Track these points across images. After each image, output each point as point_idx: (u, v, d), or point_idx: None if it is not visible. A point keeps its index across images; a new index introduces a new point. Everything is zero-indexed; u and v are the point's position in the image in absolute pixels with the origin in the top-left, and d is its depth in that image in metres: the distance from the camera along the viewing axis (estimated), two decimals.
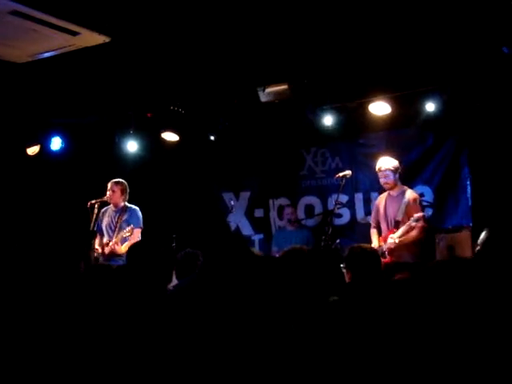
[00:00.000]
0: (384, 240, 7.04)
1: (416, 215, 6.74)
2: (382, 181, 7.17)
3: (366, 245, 4.92)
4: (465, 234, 6.98)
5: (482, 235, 4.43)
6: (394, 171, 7.09)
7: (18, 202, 9.00)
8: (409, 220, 6.84)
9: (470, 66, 6.96)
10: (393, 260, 6.76)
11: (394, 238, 6.81)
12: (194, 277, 4.58)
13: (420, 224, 6.78)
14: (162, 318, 1.98)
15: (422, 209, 7.30)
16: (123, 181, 7.64)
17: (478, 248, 4.31)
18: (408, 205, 6.96)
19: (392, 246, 6.81)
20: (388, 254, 6.86)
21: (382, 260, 6.76)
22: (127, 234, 7.15)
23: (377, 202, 7.46)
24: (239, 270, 3.50)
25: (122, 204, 7.55)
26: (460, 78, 7.19)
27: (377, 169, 7.21)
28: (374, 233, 7.32)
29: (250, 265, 2.94)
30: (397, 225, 6.97)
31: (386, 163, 7.13)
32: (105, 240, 7.46)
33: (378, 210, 7.32)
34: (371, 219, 7.51)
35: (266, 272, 2.71)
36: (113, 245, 7.20)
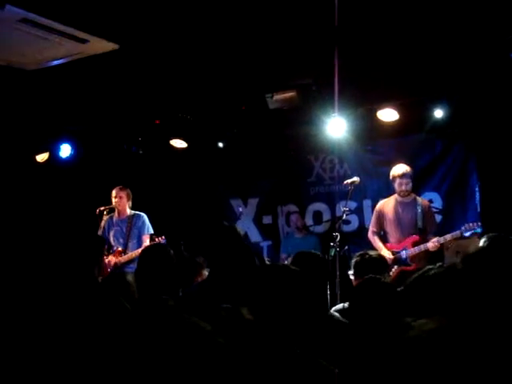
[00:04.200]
0: (400, 247, 6.94)
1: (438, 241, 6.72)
2: (401, 188, 7.04)
3: (374, 252, 4.91)
4: (473, 240, 6.94)
5: (481, 242, 4.42)
6: (412, 177, 7.09)
7: (27, 208, 9.03)
8: (425, 228, 6.87)
9: (478, 72, 6.95)
10: (418, 266, 6.62)
11: (440, 242, 6.72)
12: (202, 284, 4.59)
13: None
14: (169, 322, 1.98)
15: (434, 216, 7.29)
16: (126, 187, 7.68)
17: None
18: (424, 213, 6.96)
19: (433, 249, 6.71)
20: (411, 260, 6.80)
21: (405, 268, 6.71)
22: None
23: (380, 208, 7.30)
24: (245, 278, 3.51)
25: (128, 211, 7.58)
26: (468, 84, 7.18)
27: (396, 175, 7.09)
28: (377, 240, 7.16)
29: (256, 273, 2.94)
30: (421, 232, 6.90)
31: (407, 169, 7.07)
32: (115, 248, 7.46)
33: (384, 217, 7.19)
34: (373, 226, 7.32)
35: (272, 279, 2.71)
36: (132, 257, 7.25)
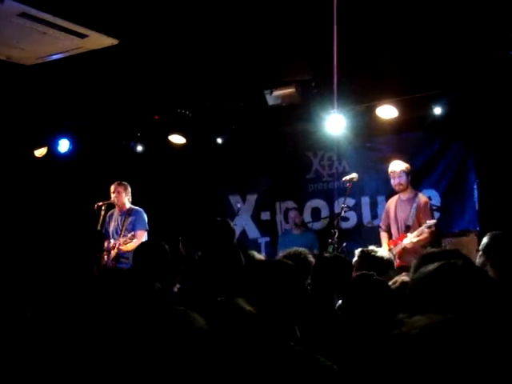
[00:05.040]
0: (394, 244, 7.01)
1: (429, 222, 6.70)
2: (395, 182, 7.11)
3: (377, 248, 4.89)
4: (471, 238, 6.95)
5: (484, 240, 4.43)
6: (407, 173, 7.10)
7: (26, 203, 9.03)
8: (419, 225, 6.84)
9: (478, 70, 6.94)
10: (402, 264, 6.70)
11: (410, 238, 6.75)
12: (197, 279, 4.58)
13: (431, 229, 6.76)
14: (163, 320, 1.98)
15: (432, 213, 7.28)
16: (124, 182, 7.66)
17: (480, 253, 4.32)
18: (418, 209, 6.96)
19: (409, 246, 6.75)
20: (398, 257, 6.82)
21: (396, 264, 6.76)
22: (128, 241, 7.12)
23: (387, 205, 7.42)
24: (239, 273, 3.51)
25: (128, 206, 7.54)
26: (467, 81, 7.18)
27: (390, 170, 7.17)
28: (384, 236, 7.29)
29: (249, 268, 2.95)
30: (407, 229, 6.94)
31: (400, 165, 7.13)
32: (111, 244, 7.42)
33: (388, 214, 7.29)
34: (381, 222, 7.47)
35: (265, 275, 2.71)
36: (118, 247, 7.19)
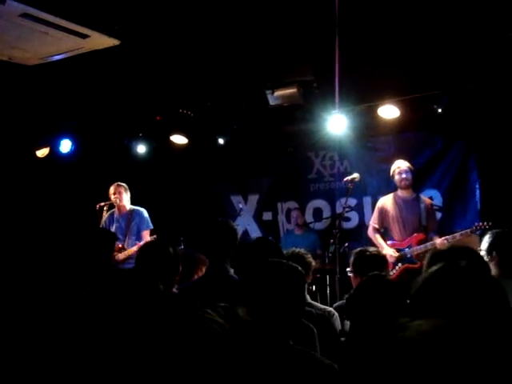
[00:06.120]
0: (401, 244, 6.86)
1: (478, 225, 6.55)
2: (401, 177, 6.96)
3: (373, 248, 4.87)
4: (473, 238, 6.92)
5: (486, 238, 4.42)
6: (412, 171, 7.05)
7: (28, 204, 9.04)
8: (429, 226, 6.82)
9: (479, 70, 6.94)
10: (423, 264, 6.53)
11: (449, 241, 6.54)
12: (200, 280, 4.59)
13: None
14: (167, 320, 1.98)
15: (436, 214, 7.26)
16: (123, 183, 7.66)
17: (482, 252, 4.30)
18: (427, 210, 6.91)
19: (443, 246, 6.28)
20: (416, 258, 6.67)
21: (410, 266, 6.67)
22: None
23: (381, 204, 7.17)
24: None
25: (128, 207, 7.54)
26: (469, 81, 7.18)
27: (395, 167, 7.06)
28: (379, 237, 7.02)
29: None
30: (425, 230, 6.82)
31: (405, 162, 7.07)
32: (119, 245, 7.38)
33: (386, 213, 7.07)
34: (374, 222, 7.16)
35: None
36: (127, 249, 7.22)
